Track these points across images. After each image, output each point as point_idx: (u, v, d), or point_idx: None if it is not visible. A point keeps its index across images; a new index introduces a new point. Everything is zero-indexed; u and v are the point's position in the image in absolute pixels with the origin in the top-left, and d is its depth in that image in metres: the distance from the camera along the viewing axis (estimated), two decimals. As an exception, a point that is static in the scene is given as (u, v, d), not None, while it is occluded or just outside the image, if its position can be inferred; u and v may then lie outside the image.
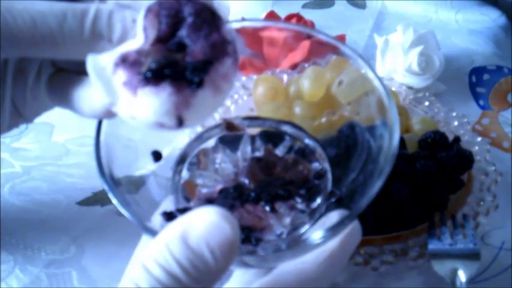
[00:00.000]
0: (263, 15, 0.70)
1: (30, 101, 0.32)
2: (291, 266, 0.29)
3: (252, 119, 0.40)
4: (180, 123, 0.25)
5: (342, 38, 0.69)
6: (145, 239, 0.32)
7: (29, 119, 0.34)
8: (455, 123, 0.55)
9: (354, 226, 0.30)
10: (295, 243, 0.31)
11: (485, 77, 0.67)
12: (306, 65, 0.51)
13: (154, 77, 0.24)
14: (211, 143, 0.37)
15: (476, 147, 0.52)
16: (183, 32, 0.25)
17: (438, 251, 0.43)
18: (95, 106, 0.28)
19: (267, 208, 0.32)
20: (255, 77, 0.51)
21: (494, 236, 0.49)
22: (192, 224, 0.23)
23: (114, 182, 0.29)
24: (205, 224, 0.23)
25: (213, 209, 0.23)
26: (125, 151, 0.32)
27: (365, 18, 0.77)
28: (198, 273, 0.23)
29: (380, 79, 0.32)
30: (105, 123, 0.30)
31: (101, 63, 0.25)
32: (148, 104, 0.25)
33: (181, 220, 0.24)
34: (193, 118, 0.25)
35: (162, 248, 0.23)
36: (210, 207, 0.23)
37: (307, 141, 0.37)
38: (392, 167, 0.29)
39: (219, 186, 0.34)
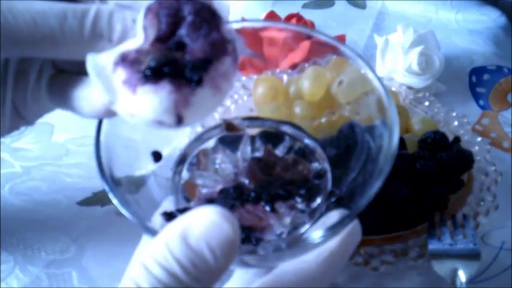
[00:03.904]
0: (263, 15, 0.70)
1: (31, 103, 0.32)
2: (291, 265, 0.29)
3: (252, 119, 0.40)
4: (179, 121, 0.25)
5: (342, 38, 0.69)
6: (145, 238, 0.32)
7: (29, 121, 0.34)
8: (455, 123, 0.55)
9: (354, 226, 0.30)
10: (295, 243, 0.31)
11: (485, 77, 0.67)
12: (306, 65, 0.51)
13: (154, 75, 0.25)
14: (211, 143, 0.37)
15: (476, 147, 0.52)
16: (182, 31, 0.25)
17: (438, 251, 0.43)
18: (95, 105, 0.28)
19: (267, 208, 0.32)
20: (255, 77, 0.51)
21: (494, 236, 0.49)
22: (192, 224, 0.23)
23: (114, 182, 0.29)
24: (206, 223, 0.23)
25: (213, 208, 0.23)
26: (125, 151, 0.32)
27: (365, 18, 0.77)
28: (198, 273, 0.23)
29: (380, 79, 0.33)
30: (105, 123, 0.30)
31: (101, 63, 0.25)
32: (147, 102, 0.25)
33: (181, 219, 0.24)
34: (192, 116, 0.25)
35: (162, 247, 0.23)
36: (210, 206, 0.23)
37: (307, 141, 0.37)
38: (392, 167, 0.29)
39: (219, 187, 0.34)
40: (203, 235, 0.23)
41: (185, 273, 0.23)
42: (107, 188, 0.28)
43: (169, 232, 0.23)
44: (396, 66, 0.62)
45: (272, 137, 0.37)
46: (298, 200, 0.32)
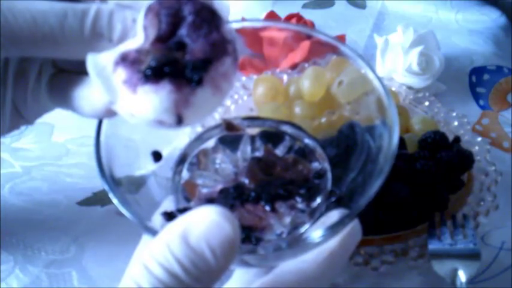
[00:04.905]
0: (263, 15, 0.70)
1: (31, 102, 0.32)
2: (291, 265, 0.29)
3: (252, 119, 0.40)
4: (179, 121, 0.25)
5: (342, 38, 0.69)
6: (145, 238, 0.32)
7: (29, 121, 0.34)
8: (455, 123, 0.55)
9: (354, 226, 0.30)
10: (295, 243, 0.31)
11: (485, 77, 0.67)
12: (306, 65, 0.51)
13: (154, 75, 0.25)
14: (211, 143, 0.37)
15: (476, 147, 0.52)
16: (183, 31, 0.25)
17: (438, 251, 0.43)
18: (95, 105, 0.28)
19: (267, 208, 0.32)
20: (255, 77, 0.51)
21: (494, 236, 0.49)
22: (193, 223, 0.23)
23: (114, 182, 0.29)
24: (206, 223, 0.23)
25: (213, 208, 0.23)
26: (125, 151, 0.32)
27: (365, 18, 0.77)
28: (198, 272, 0.23)
29: (380, 79, 0.33)
30: (105, 123, 0.30)
31: (101, 62, 0.25)
32: (147, 102, 0.25)
33: (182, 219, 0.24)
34: (192, 116, 0.25)
35: (162, 247, 0.23)
36: (210, 206, 0.23)
37: (306, 141, 0.37)
38: (392, 167, 0.29)
39: (219, 186, 0.34)
40: (203, 235, 0.23)
41: (186, 273, 0.23)
42: (107, 188, 0.28)
43: (170, 232, 0.23)
44: (396, 66, 0.62)
45: (272, 136, 0.37)
46: (298, 199, 0.32)
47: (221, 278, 0.24)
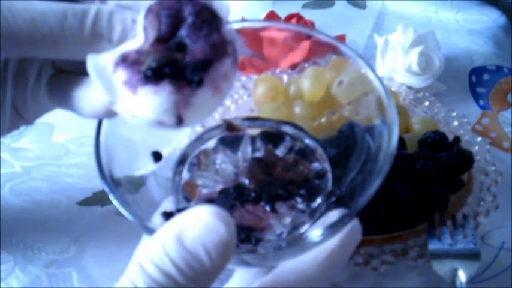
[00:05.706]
0: (263, 15, 0.70)
1: (30, 103, 0.32)
2: (291, 265, 0.29)
3: (252, 120, 0.40)
4: (179, 122, 0.25)
5: (342, 38, 0.69)
6: (145, 239, 0.32)
7: (29, 121, 0.34)
8: (455, 123, 0.55)
9: (354, 226, 0.30)
10: (295, 242, 0.31)
11: (485, 77, 0.67)
12: (306, 65, 0.51)
13: (155, 76, 0.25)
14: (211, 143, 0.37)
15: (476, 147, 0.52)
16: (183, 32, 0.26)
17: (438, 251, 0.43)
18: (95, 106, 0.28)
19: (267, 208, 0.32)
20: (255, 77, 0.51)
21: (494, 236, 0.49)
22: (188, 224, 0.23)
23: (114, 183, 0.29)
24: (201, 224, 0.23)
25: (209, 208, 0.23)
26: (125, 151, 0.32)
27: (365, 18, 0.77)
28: (194, 274, 0.23)
29: (379, 79, 0.33)
30: (105, 123, 0.30)
31: (101, 63, 0.25)
32: (148, 103, 0.25)
33: (177, 219, 0.24)
34: (192, 117, 0.25)
35: (158, 248, 0.23)
36: (205, 206, 0.23)
37: (307, 141, 0.37)
38: (392, 166, 0.29)
39: (219, 187, 0.34)
40: (199, 236, 0.23)
41: (181, 274, 0.23)
42: (106, 189, 0.28)
43: (165, 232, 0.23)
44: (396, 66, 0.62)
45: (272, 137, 0.37)
46: (299, 200, 0.33)
47: (217, 278, 0.24)
